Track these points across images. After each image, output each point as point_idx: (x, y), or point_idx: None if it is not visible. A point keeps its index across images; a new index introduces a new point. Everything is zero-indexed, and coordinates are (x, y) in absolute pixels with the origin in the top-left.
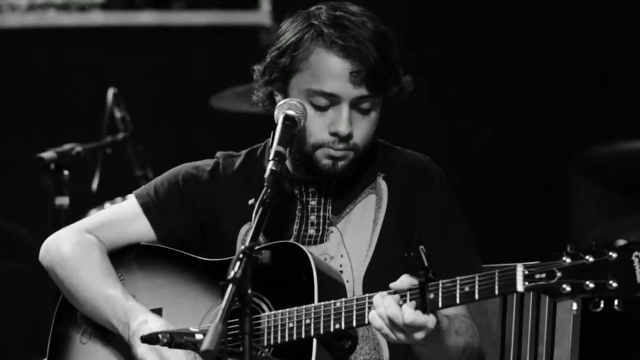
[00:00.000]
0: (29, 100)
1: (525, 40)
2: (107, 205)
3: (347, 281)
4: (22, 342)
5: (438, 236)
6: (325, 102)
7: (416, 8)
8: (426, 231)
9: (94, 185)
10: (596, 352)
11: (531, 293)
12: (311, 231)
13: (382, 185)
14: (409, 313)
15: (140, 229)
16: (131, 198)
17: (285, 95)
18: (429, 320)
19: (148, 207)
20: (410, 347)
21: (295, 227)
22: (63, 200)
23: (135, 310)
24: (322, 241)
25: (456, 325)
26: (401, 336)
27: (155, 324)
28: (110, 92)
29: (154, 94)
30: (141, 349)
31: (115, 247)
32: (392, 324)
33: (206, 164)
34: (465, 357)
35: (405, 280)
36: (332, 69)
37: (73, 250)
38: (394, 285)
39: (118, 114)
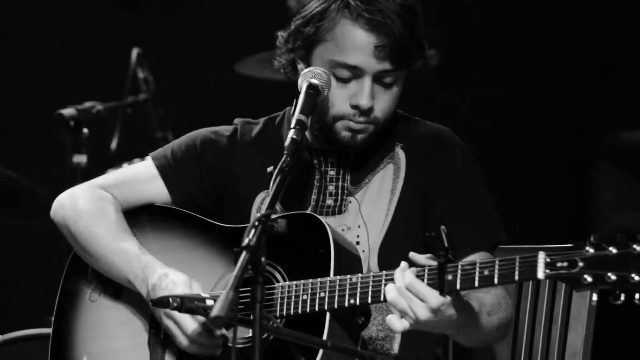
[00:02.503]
0: (51, 56)
1: (551, 19)
2: (125, 165)
3: (363, 251)
4: (34, 301)
5: (458, 207)
6: (347, 74)
7: None
8: (446, 202)
9: (113, 144)
10: (610, 339)
11: (543, 280)
12: (329, 201)
13: (401, 154)
14: (434, 298)
15: (155, 190)
16: (148, 159)
17: (308, 64)
18: (445, 302)
19: (164, 169)
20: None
21: (314, 197)
22: (81, 159)
23: (153, 264)
24: (340, 212)
25: (488, 305)
26: (418, 310)
27: (178, 277)
28: (134, 52)
29: (178, 56)
30: None
31: (130, 207)
32: (409, 293)
33: (225, 129)
34: (500, 334)
35: (424, 256)
36: (356, 42)
37: (87, 206)
38: (413, 255)
39: (141, 75)
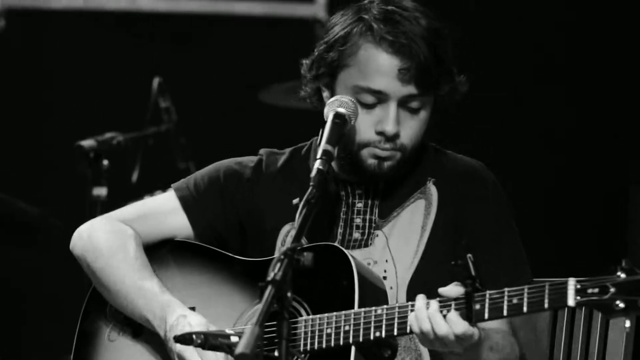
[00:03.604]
0: (71, 85)
1: (587, 47)
2: (147, 197)
3: (391, 287)
4: (48, 340)
5: (489, 245)
6: (372, 100)
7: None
8: (477, 240)
9: (134, 176)
10: None
11: (583, 309)
12: (356, 235)
13: (432, 190)
14: (461, 325)
15: (177, 223)
16: (170, 191)
17: (333, 92)
18: (475, 332)
19: (187, 202)
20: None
21: (340, 230)
22: (101, 191)
23: (173, 305)
24: (366, 245)
25: (493, 341)
26: (443, 348)
27: (195, 320)
28: (156, 82)
29: (200, 85)
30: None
31: (151, 241)
32: (440, 340)
33: (249, 160)
34: None
35: (455, 288)
36: (380, 66)
37: (107, 240)
38: (442, 290)
39: (162, 104)
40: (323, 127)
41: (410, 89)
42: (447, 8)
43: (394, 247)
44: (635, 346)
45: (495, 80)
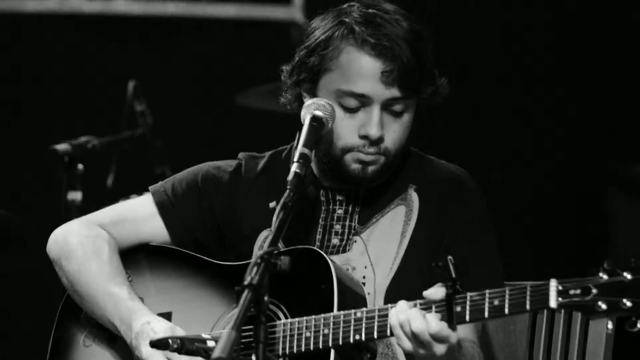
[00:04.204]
0: (46, 88)
1: (566, 47)
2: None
3: (369, 293)
4: (23, 344)
5: (467, 252)
6: (355, 104)
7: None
8: (456, 246)
9: (110, 180)
10: None
11: (562, 311)
12: (335, 240)
13: (414, 197)
14: (435, 323)
15: (154, 228)
16: (147, 195)
17: (314, 97)
18: (452, 334)
19: (164, 207)
20: None
21: (318, 236)
22: (76, 195)
23: (139, 311)
24: (344, 251)
25: (464, 349)
26: (421, 349)
27: (159, 326)
28: (131, 85)
29: (176, 88)
30: (146, 348)
31: (127, 245)
32: (415, 337)
33: (228, 164)
34: None
35: (437, 292)
36: (362, 69)
37: (82, 244)
38: (427, 293)
39: (138, 108)
40: (300, 131)
41: (394, 92)
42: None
43: (372, 253)
44: (614, 347)
45: (475, 83)
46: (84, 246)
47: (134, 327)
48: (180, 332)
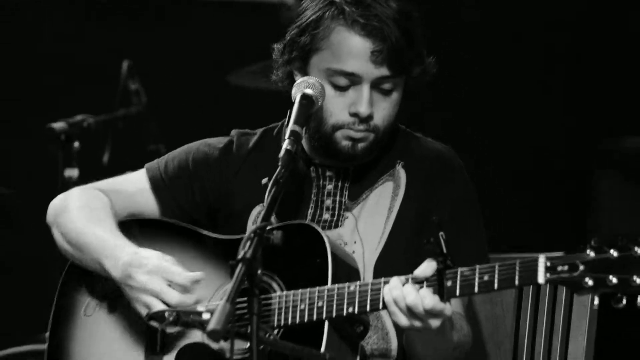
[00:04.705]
0: (41, 69)
1: (551, 25)
2: None
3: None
4: (25, 318)
5: (453, 229)
6: (345, 82)
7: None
8: (442, 222)
9: (105, 158)
10: (612, 348)
11: (548, 285)
12: (326, 216)
13: (401, 173)
14: (430, 298)
15: (147, 202)
16: (142, 171)
17: (305, 75)
18: (446, 307)
19: (156, 183)
20: (405, 335)
21: (310, 211)
22: (72, 172)
23: (122, 245)
24: (336, 226)
25: (454, 321)
26: (416, 323)
27: (147, 252)
28: (125, 64)
29: (169, 67)
30: (141, 276)
31: (121, 214)
32: (410, 312)
33: (219, 141)
34: (456, 354)
35: (428, 267)
36: (352, 48)
37: (77, 200)
38: (417, 272)
39: (132, 87)
40: (291, 109)
41: (383, 71)
42: None
43: (362, 229)
44: (598, 322)
45: (466, 63)
46: (78, 201)
47: (121, 258)
48: (169, 258)
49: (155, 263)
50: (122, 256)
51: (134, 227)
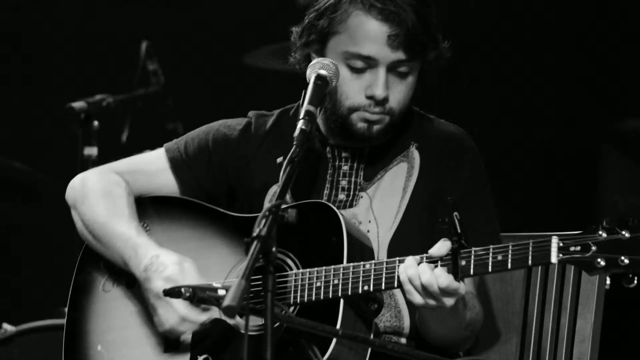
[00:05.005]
0: (61, 49)
1: (558, 8)
2: None
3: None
4: (44, 293)
5: (465, 209)
6: (362, 65)
7: None
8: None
9: (124, 137)
10: (619, 326)
11: (556, 264)
12: (341, 196)
13: (415, 154)
14: (444, 277)
15: (167, 181)
16: (161, 150)
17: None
18: (460, 286)
19: (176, 163)
20: (417, 314)
21: (326, 191)
22: (92, 151)
23: (146, 246)
24: (351, 205)
25: (466, 300)
26: (431, 301)
27: (168, 259)
28: (144, 45)
29: (187, 48)
30: (158, 282)
31: (138, 195)
32: (425, 290)
33: (238, 122)
34: (468, 332)
35: (443, 247)
36: (370, 32)
37: (96, 187)
38: (432, 251)
39: (150, 67)
40: (305, 89)
41: (399, 55)
42: None
43: (376, 209)
44: (606, 300)
45: (467, 43)
46: (98, 188)
47: (142, 261)
48: (188, 265)
49: (172, 271)
50: (144, 259)
51: (150, 206)
